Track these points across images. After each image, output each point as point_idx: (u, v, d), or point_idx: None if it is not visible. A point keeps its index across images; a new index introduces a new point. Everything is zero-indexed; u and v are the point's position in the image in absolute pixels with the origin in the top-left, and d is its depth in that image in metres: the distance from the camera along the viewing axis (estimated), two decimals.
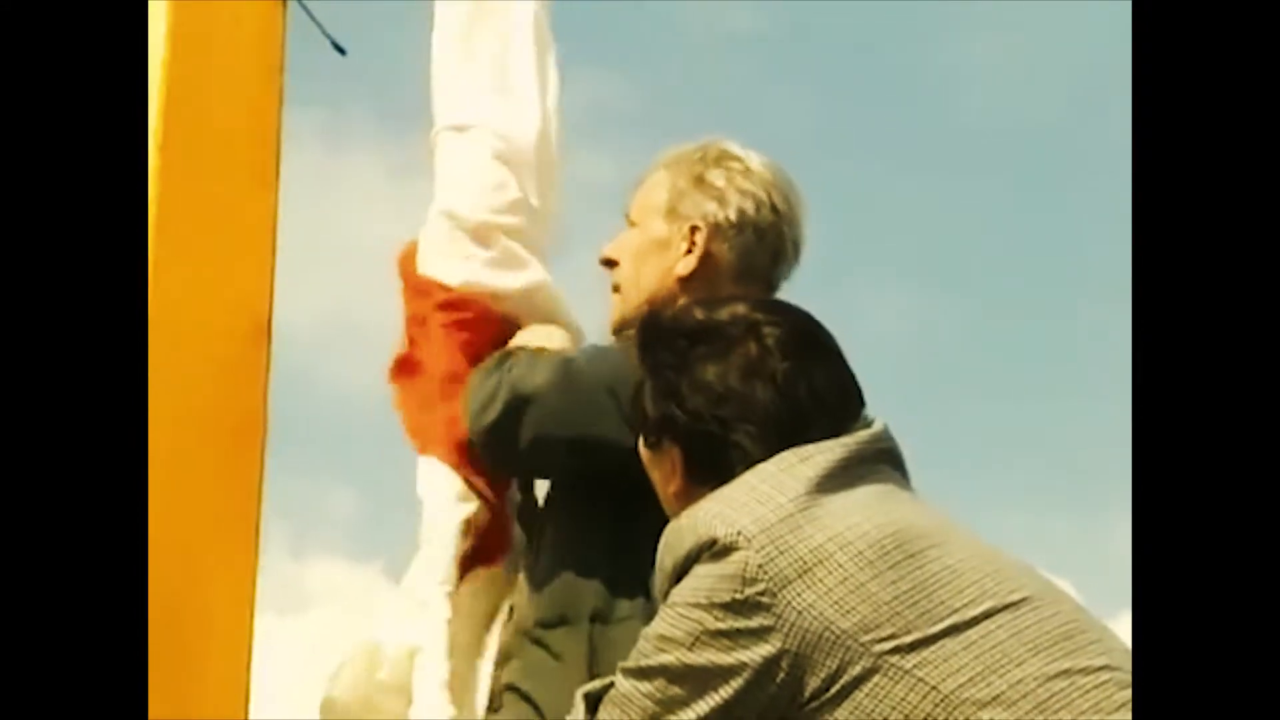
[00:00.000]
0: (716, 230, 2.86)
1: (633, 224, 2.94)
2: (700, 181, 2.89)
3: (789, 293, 2.94)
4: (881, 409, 2.29)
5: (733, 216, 2.86)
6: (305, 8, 2.92)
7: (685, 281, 2.83)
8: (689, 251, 2.86)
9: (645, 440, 2.30)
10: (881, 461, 2.20)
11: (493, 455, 2.77)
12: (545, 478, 2.87)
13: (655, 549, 2.29)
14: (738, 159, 2.92)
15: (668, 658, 2.04)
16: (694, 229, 2.86)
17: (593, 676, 2.50)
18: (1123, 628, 2.10)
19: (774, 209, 2.88)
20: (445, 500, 2.82)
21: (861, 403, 2.26)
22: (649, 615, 2.35)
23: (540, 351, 2.76)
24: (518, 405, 2.69)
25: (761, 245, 2.88)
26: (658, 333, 2.29)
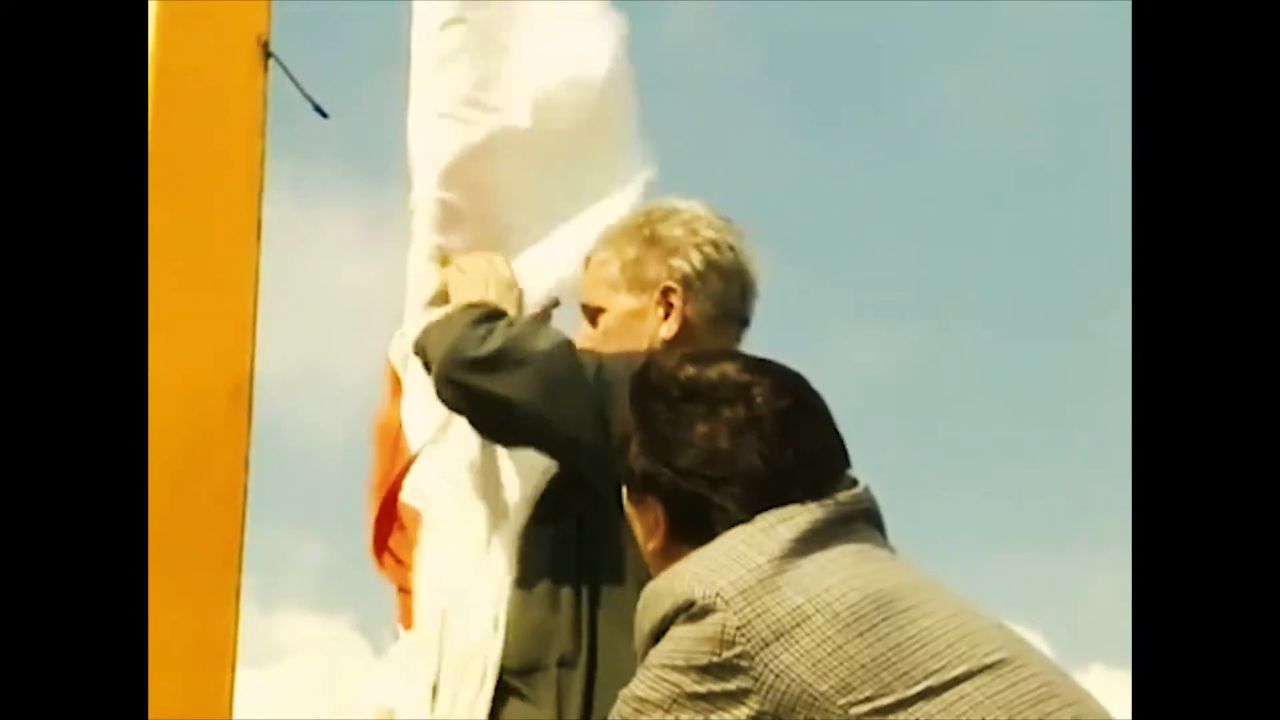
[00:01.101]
0: (687, 284, 2.87)
1: (592, 309, 2.92)
2: (654, 242, 2.89)
3: (772, 331, 2.96)
4: (862, 450, 2.30)
5: (699, 265, 2.87)
6: (288, 72, 2.94)
7: (670, 344, 2.81)
8: (667, 315, 2.86)
9: (629, 494, 2.30)
10: (860, 521, 2.21)
11: (456, 393, 2.67)
12: (491, 438, 2.79)
13: (619, 588, 2.30)
14: (681, 210, 2.93)
15: None
16: (666, 290, 2.86)
17: None
18: (1093, 678, 2.11)
19: (731, 248, 2.90)
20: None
21: (846, 463, 2.27)
22: (617, 658, 2.41)
23: (537, 320, 2.74)
24: (511, 359, 2.61)
25: (730, 286, 2.89)
26: (647, 389, 2.29)
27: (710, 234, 2.88)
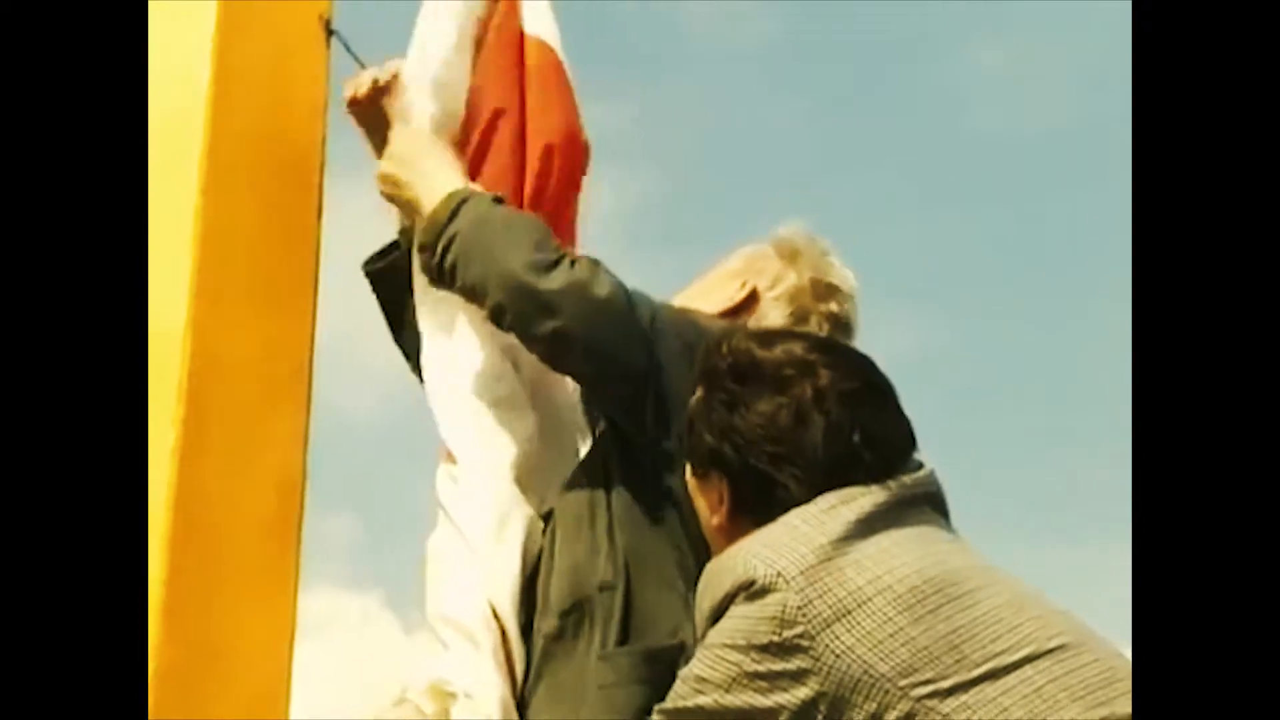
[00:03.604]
0: (755, 296, 2.94)
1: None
2: (790, 255, 2.97)
3: None
4: None
5: (792, 282, 2.94)
6: (350, 50, 2.93)
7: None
8: (734, 297, 2.93)
9: (693, 470, 2.30)
10: (924, 504, 2.20)
11: (513, 320, 2.68)
12: (546, 363, 2.77)
13: (651, 522, 2.49)
14: (822, 250, 2.99)
15: (705, 699, 2.04)
16: (753, 290, 2.94)
17: (604, 646, 2.52)
18: None
19: (833, 294, 2.94)
20: (489, 505, 2.74)
21: (912, 446, 2.26)
22: (648, 577, 2.50)
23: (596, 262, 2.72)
24: (572, 298, 2.63)
25: (798, 322, 2.92)
26: (715, 365, 2.29)
27: (819, 275, 2.95)
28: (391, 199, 2.88)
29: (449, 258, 2.72)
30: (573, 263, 2.66)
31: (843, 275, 2.97)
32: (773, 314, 2.90)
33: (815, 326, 2.89)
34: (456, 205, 2.74)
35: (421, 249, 2.78)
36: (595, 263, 2.68)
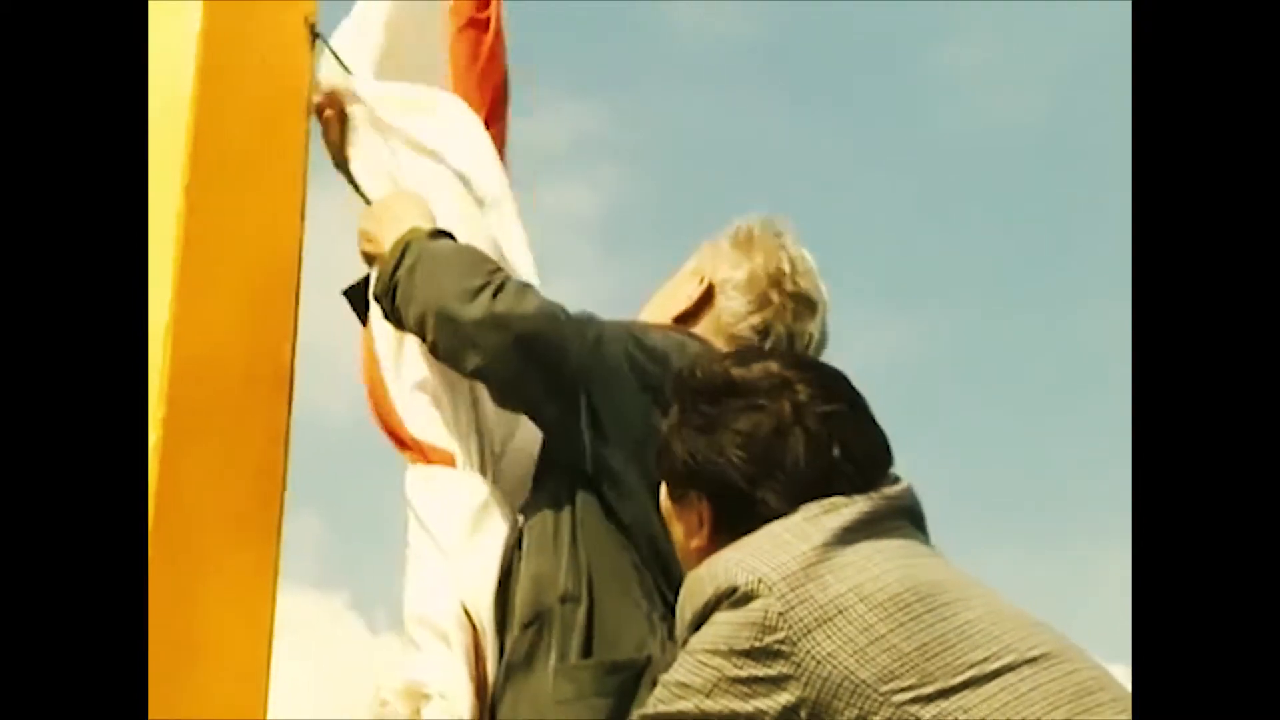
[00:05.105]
0: (713, 290, 2.94)
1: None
2: (746, 244, 2.96)
3: None
4: None
5: (742, 275, 2.92)
6: (334, 53, 2.94)
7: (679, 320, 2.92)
8: (692, 297, 2.93)
9: (671, 492, 2.30)
10: (904, 519, 2.21)
11: (449, 351, 2.71)
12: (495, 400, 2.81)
13: (614, 537, 2.52)
14: (780, 237, 2.97)
15: (685, 705, 2.04)
16: (710, 286, 2.93)
17: (564, 659, 2.54)
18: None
19: (786, 290, 2.91)
20: (464, 506, 2.75)
21: (889, 459, 2.27)
22: (610, 592, 2.53)
23: (526, 286, 2.74)
24: (492, 325, 2.66)
25: (750, 315, 2.90)
26: (691, 387, 2.30)
27: (774, 257, 2.93)
28: (368, 257, 2.89)
29: (396, 301, 2.76)
30: (498, 290, 2.67)
31: (799, 254, 2.94)
32: (733, 304, 2.89)
33: (779, 308, 2.88)
34: (401, 251, 2.76)
35: (378, 299, 2.81)
36: (525, 287, 2.70)
